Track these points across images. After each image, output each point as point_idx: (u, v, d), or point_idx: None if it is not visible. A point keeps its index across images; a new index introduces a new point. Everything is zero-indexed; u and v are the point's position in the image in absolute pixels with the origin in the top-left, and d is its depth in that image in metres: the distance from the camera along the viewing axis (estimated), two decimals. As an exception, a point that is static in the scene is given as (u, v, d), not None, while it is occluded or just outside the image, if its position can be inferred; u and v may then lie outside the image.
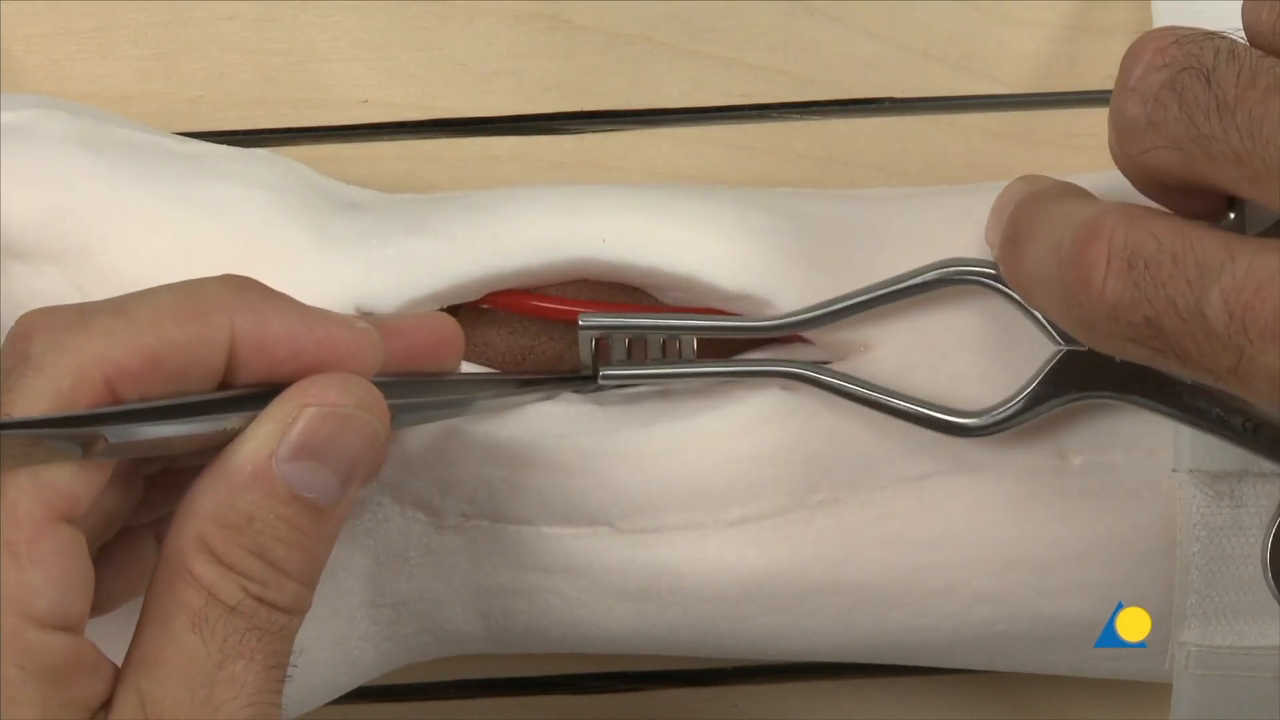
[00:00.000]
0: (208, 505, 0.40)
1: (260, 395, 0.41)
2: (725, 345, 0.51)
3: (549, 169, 0.57)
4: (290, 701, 0.50)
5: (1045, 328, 0.47)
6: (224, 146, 0.52)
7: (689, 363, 0.50)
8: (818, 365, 0.49)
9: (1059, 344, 0.47)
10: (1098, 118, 0.56)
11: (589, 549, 0.49)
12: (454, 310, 0.51)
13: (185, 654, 0.39)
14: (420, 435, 0.49)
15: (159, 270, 0.48)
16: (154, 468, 0.45)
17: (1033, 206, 0.44)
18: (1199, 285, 0.38)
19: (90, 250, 0.48)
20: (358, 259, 0.49)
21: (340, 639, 0.50)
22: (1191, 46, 0.39)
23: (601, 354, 0.50)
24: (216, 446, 0.41)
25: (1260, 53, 0.39)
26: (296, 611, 0.41)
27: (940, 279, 0.48)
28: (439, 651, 0.52)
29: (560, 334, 0.51)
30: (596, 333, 0.49)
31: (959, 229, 0.50)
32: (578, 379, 0.50)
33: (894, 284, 0.48)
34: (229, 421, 0.41)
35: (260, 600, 0.40)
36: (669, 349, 0.50)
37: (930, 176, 0.57)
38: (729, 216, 0.50)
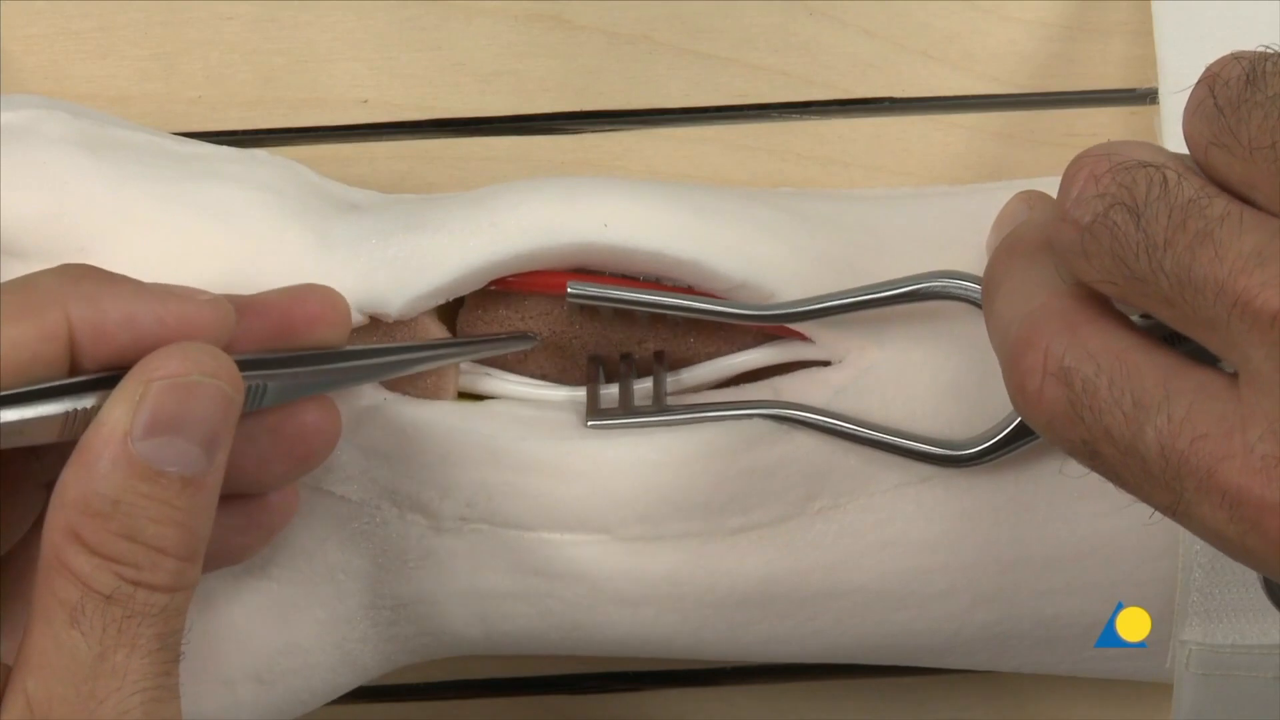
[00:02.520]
0: (73, 495, 0.40)
1: (111, 377, 0.41)
2: (720, 330, 0.51)
3: (549, 169, 0.57)
4: (291, 702, 0.51)
5: None
6: (224, 148, 0.52)
7: (676, 409, 0.50)
8: (804, 405, 0.49)
9: None
10: (1098, 118, 0.56)
11: (588, 555, 0.49)
12: (456, 305, 0.51)
13: (67, 651, 0.39)
14: (419, 439, 0.49)
15: (157, 272, 0.48)
16: (47, 474, 0.45)
17: (1006, 259, 0.42)
18: (1134, 421, 0.37)
19: (88, 251, 0.48)
20: (359, 260, 0.49)
21: (340, 641, 0.50)
22: (1125, 177, 0.37)
23: (591, 398, 0.50)
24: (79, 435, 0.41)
25: (1196, 185, 0.37)
26: (179, 588, 0.41)
27: (928, 292, 0.48)
28: (438, 653, 0.52)
29: (564, 328, 0.51)
30: (583, 301, 0.49)
31: (959, 230, 0.50)
32: (513, 339, 0.50)
33: (885, 289, 0.48)
34: (85, 401, 0.41)
35: (137, 584, 0.40)
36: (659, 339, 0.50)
37: (930, 176, 0.57)
38: (734, 208, 0.50)
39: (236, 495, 0.46)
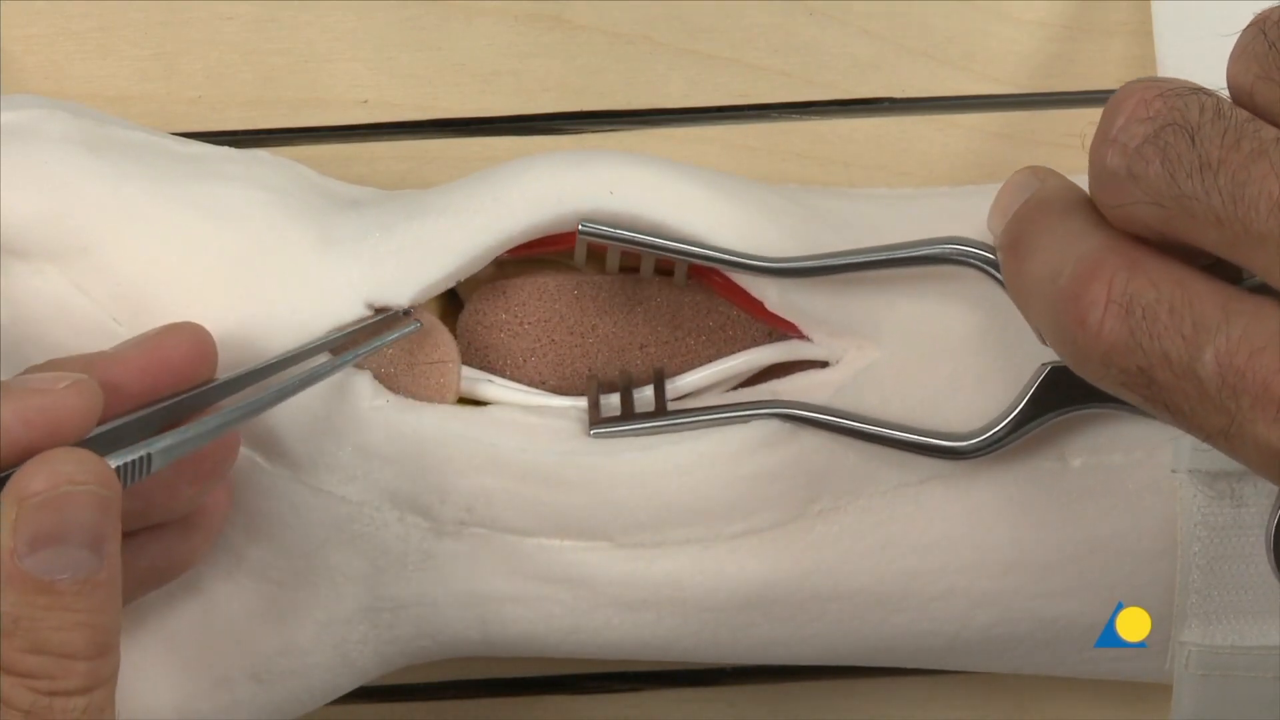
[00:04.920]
0: None
1: None
2: (720, 331, 0.51)
3: (549, 169, 0.57)
4: (289, 702, 0.51)
5: (1036, 329, 0.47)
6: (225, 148, 0.52)
7: (678, 414, 0.50)
8: (805, 404, 0.49)
9: (1045, 344, 0.47)
10: (1097, 118, 0.56)
11: (588, 561, 0.50)
12: (456, 309, 0.51)
13: None
14: (421, 442, 0.49)
15: (158, 271, 0.48)
16: None
17: (1037, 216, 0.43)
18: (1194, 343, 0.38)
19: (90, 250, 0.48)
20: (363, 254, 0.49)
21: (339, 642, 0.50)
22: (1177, 101, 0.39)
23: (592, 407, 0.50)
24: None
25: (1246, 113, 0.38)
26: (95, 686, 0.41)
27: (942, 255, 0.48)
28: (437, 655, 0.52)
29: (563, 336, 0.51)
30: (595, 239, 0.49)
31: (959, 230, 0.50)
32: (396, 321, 0.49)
33: (897, 250, 0.48)
34: None
35: (53, 694, 0.40)
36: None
37: (930, 176, 0.57)
38: (740, 189, 0.50)
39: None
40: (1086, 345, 0.40)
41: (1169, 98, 0.39)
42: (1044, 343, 0.47)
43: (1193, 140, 0.38)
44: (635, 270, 0.51)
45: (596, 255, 0.51)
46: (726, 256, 0.49)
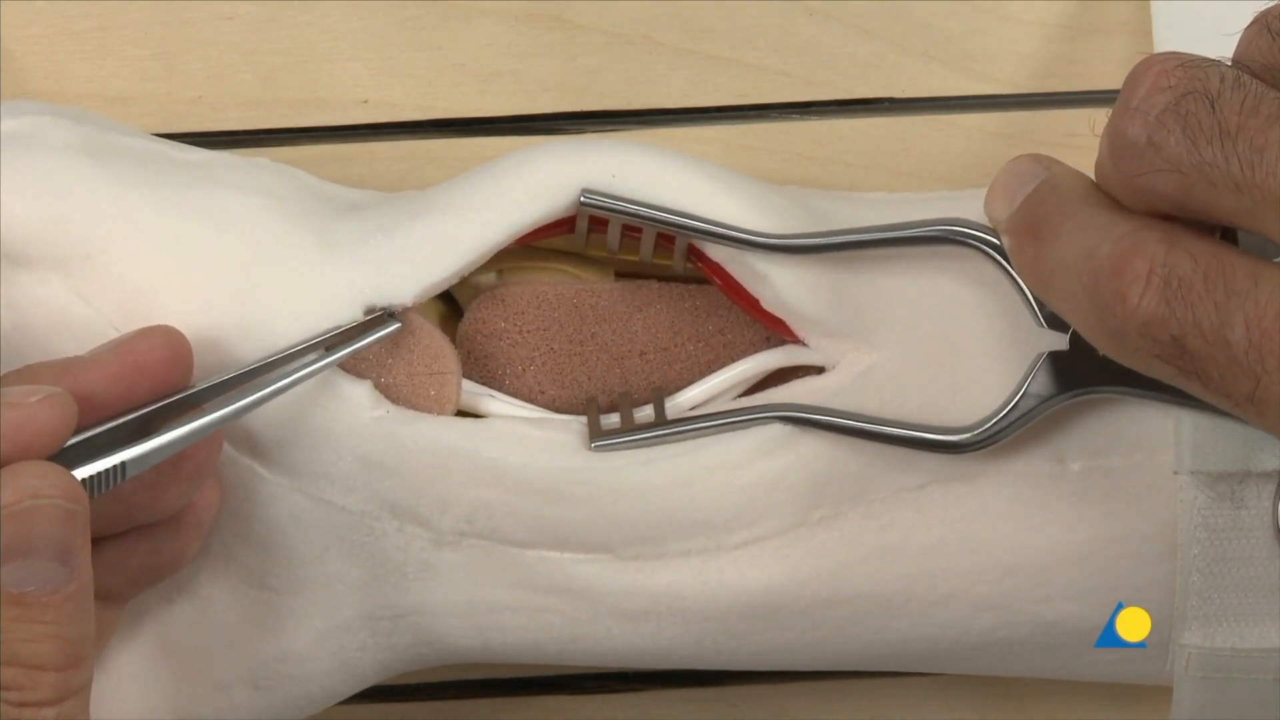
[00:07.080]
0: None
1: None
2: (720, 335, 0.51)
3: (549, 169, 0.57)
4: (288, 708, 0.51)
5: (1034, 310, 0.47)
6: (226, 154, 0.52)
7: (678, 422, 0.50)
8: (804, 406, 0.49)
9: (1044, 327, 0.47)
10: (1097, 118, 0.56)
11: (589, 573, 0.50)
12: (456, 315, 0.51)
13: None
14: (421, 453, 0.49)
15: (160, 278, 0.48)
16: None
17: (1058, 201, 0.44)
18: (1225, 309, 0.39)
19: (93, 258, 0.48)
20: (365, 257, 0.49)
21: (337, 649, 0.50)
22: (1197, 71, 0.40)
23: (592, 421, 0.50)
24: None
25: (1264, 84, 0.39)
26: (65, 697, 0.41)
27: (942, 235, 0.48)
28: (436, 662, 0.52)
29: (562, 345, 0.51)
30: (596, 210, 0.49)
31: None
32: (378, 321, 0.49)
33: (897, 230, 0.49)
34: None
35: (23, 704, 0.40)
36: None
37: (930, 176, 0.57)
38: (742, 182, 0.50)
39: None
40: (1126, 320, 0.40)
41: (1189, 68, 0.40)
42: (1045, 325, 0.47)
43: (1213, 108, 0.39)
44: (633, 257, 0.51)
45: (593, 259, 0.51)
46: (726, 231, 0.49)
